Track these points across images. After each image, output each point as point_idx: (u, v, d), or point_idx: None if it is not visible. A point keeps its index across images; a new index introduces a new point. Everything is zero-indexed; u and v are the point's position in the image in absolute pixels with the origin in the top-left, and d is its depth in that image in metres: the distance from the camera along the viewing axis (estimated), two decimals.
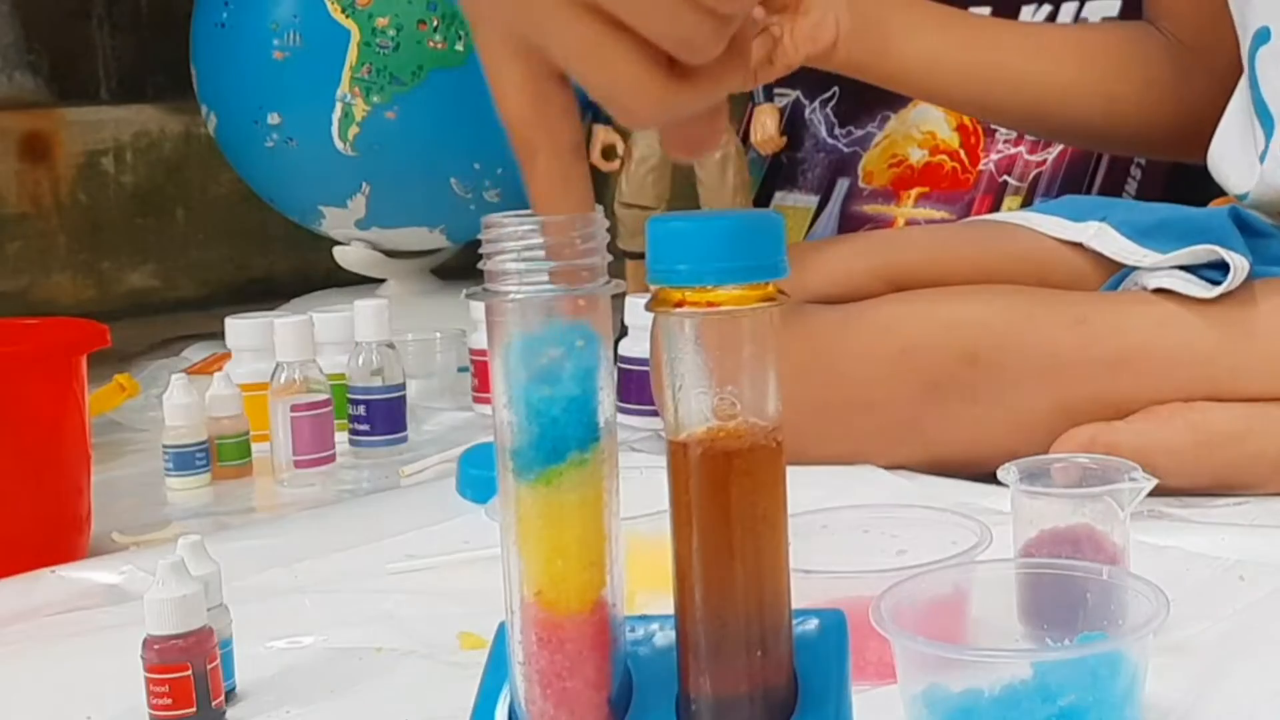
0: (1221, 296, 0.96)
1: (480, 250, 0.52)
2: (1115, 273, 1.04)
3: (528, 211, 0.52)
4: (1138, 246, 1.02)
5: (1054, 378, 0.97)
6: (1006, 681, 0.60)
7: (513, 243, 0.51)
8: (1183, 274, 0.98)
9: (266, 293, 1.85)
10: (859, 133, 1.61)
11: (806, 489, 0.86)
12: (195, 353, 1.56)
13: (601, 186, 1.87)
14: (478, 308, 0.53)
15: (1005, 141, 1.50)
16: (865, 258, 1.06)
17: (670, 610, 0.54)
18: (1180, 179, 1.51)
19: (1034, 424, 0.96)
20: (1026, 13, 1.54)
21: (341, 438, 1.19)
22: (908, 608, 0.64)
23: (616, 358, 1.23)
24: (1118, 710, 0.60)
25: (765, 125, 1.53)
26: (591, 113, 1.58)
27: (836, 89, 1.66)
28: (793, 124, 1.66)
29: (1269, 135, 1.05)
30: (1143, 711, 0.61)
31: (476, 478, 1.02)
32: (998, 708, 0.60)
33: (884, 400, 0.98)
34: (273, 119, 1.55)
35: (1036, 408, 0.97)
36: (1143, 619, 0.61)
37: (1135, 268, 1.02)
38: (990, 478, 0.80)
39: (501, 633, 0.55)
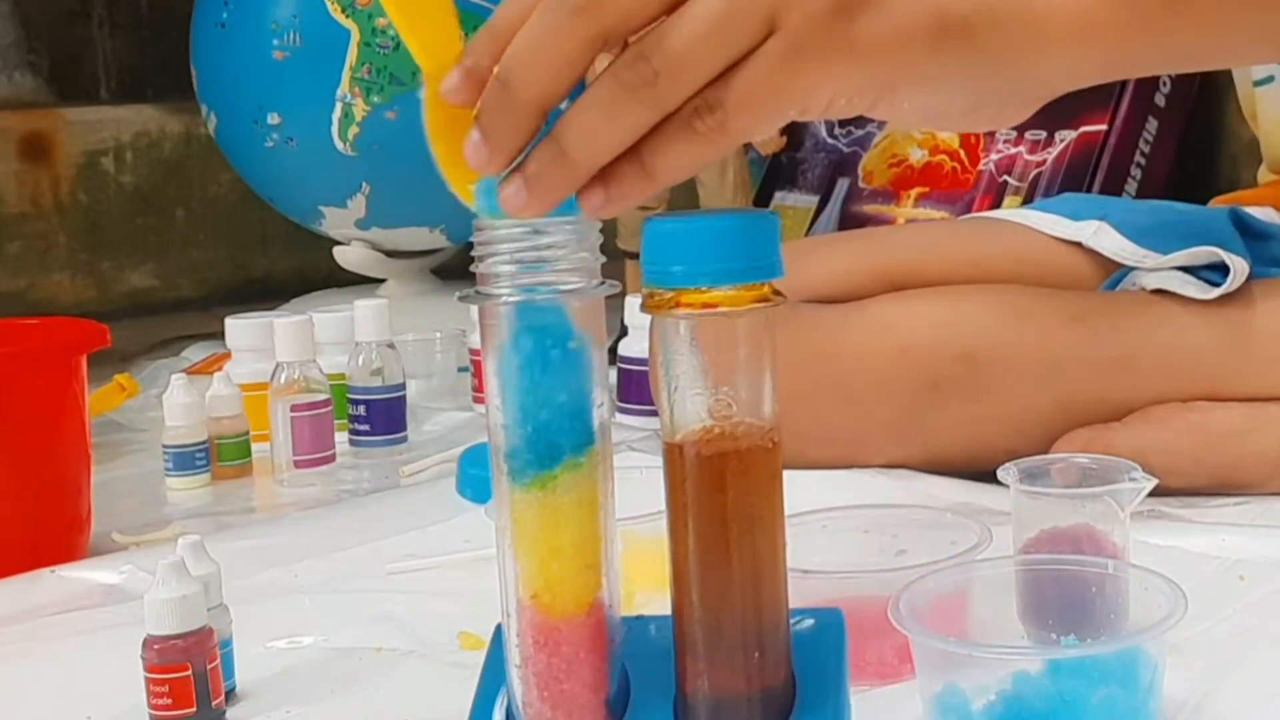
0: (1220, 298, 0.96)
1: (473, 253, 0.52)
2: (1114, 272, 1.04)
3: None
4: (1137, 247, 1.02)
5: (1052, 377, 0.96)
6: (1031, 679, 0.60)
7: (505, 245, 0.51)
8: (1182, 275, 0.98)
9: (266, 293, 1.85)
10: (859, 133, 1.61)
11: (806, 489, 0.86)
12: (195, 353, 1.56)
13: None
14: (477, 308, 0.53)
15: (1005, 141, 1.50)
16: (864, 256, 1.06)
17: (668, 611, 0.54)
18: (1181, 179, 1.51)
19: (1032, 423, 0.96)
20: None
21: (341, 438, 1.19)
22: (917, 608, 0.63)
23: (616, 358, 1.23)
24: (1144, 705, 0.60)
25: None
26: None
27: None
28: (793, 124, 1.66)
29: None
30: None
31: (476, 478, 1.02)
32: (1022, 706, 0.60)
33: (882, 399, 0.98)
34: (273, 119, 1.55)
35: (1035, 407, 0.96)
36: (1161, 613, 0.61)
37: (1134, 268, 1.02)
38: (990, 477, 0.80)
39: (498, 635, 0.55)
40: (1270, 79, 1.06)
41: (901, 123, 0.54)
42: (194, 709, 0.67)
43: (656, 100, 0.51)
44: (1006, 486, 0.75)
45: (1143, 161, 1.47)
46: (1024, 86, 0.59)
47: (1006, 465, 0.75)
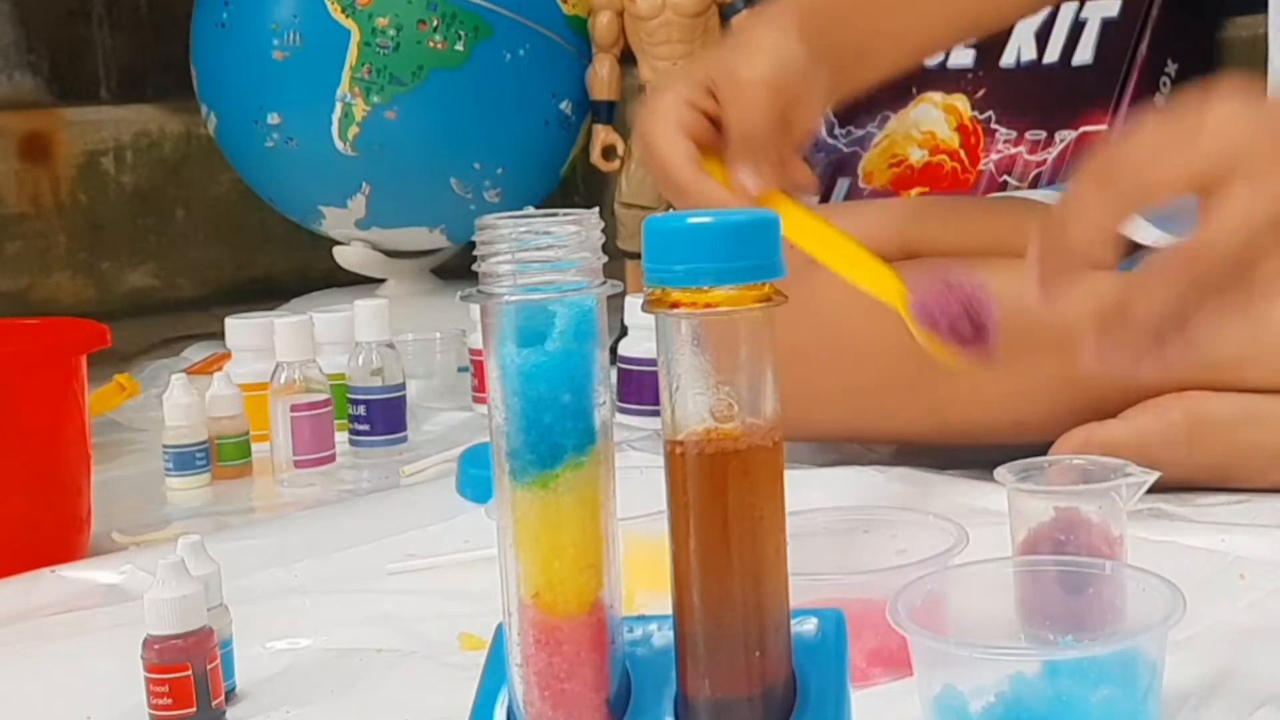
0: None
1: (475, 252, 0.52)
2: (1131, 254, 1.04)
3: (521, 212, 0.52)
4: (1155, 228, 1.02)
5: (1061, 349, 0.96)
6: (1030, 680, 0.60)
7: (507, 244, 0.51)
8: None
9: (266, 293, 1.85)
10: (859, 133, 1.61)
11: (806, 490, 0.86)
12: (195, 353, 1.56)
13: (601, 186, 1.87)
14: (478, 308, 0.53)
15: (1005, 141, 1.50)
16: (883, 224, 1.06)
17: (669, 611, 0.54)
18: None
19: (1039, 393, 0.96)
20: None
21: (341, 438, 1.19)
22: (915, 608, 0.63)
23: (616, 358, 1.23)
24: (1143, 706, 0.60)
25: None
26: (592, 113, 1.58)
27: None
28: None
29: None
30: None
31: (476, 477, 1.02)
32: (1021, 707, 0.60)
33: (891, 360, 0.98)
34: (273, 119, 1.55)
35: (1041, 377, 0.96)
36: (1160, 614, 0.61)
37: (1151, 249, 1.02)
38: (990, 460, 0.80)
39: (500, 634, 0.55)
40: None
41: None
42: (194, 709, 0.67)
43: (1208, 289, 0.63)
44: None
45: None
46: None
47: (1002, 466, 0.75)
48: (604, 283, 0.52)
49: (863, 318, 0.98)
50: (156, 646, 0.67)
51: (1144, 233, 1.04)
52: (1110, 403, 0.96)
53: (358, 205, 1.58)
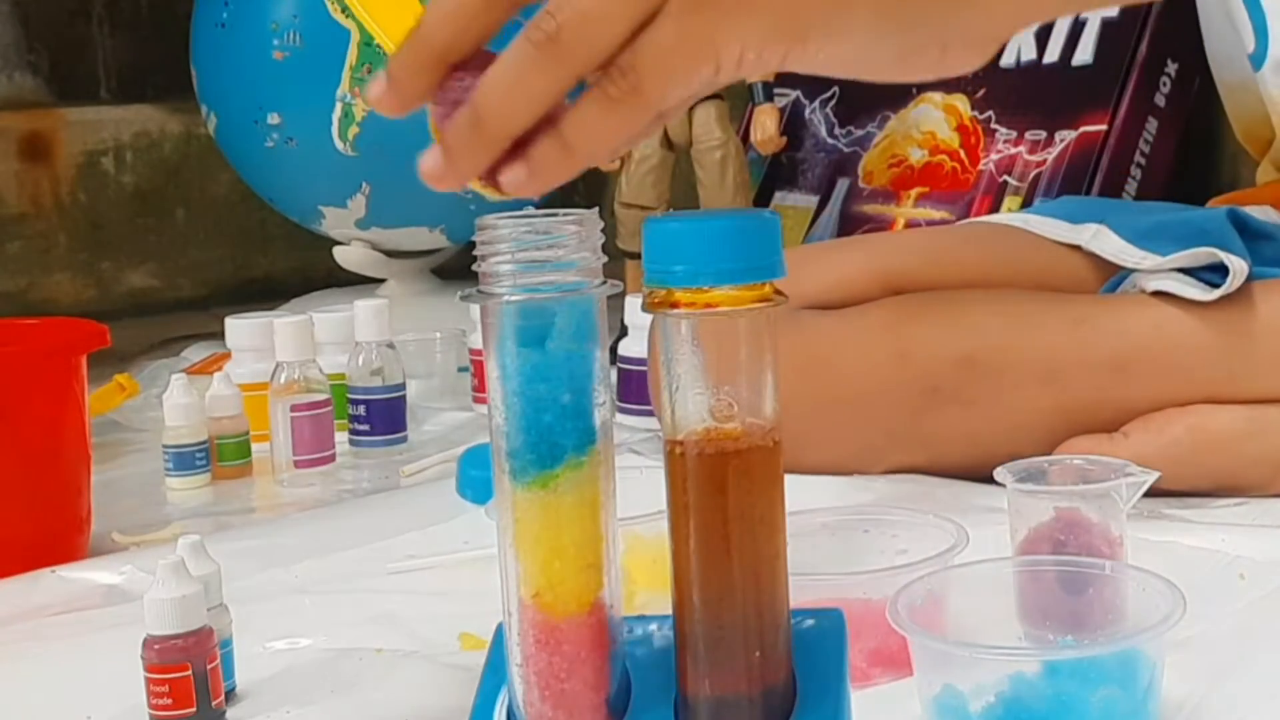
0: (1221, 299, 0.95)
1: (475, 252, 0.52)
2: (1113, 275, 1.04)
3: (523, 213, 0.52)
4: (1136, 249, 1.02)
5: (1052, 380, 0.96)
6: (1030, 680, 0.60)
7: (507, 244, 0.51)
8: (1181, 276, 0.98)
9: (266, 293, 1.85)
10: (859, 133, 1.61)
11: (806, 490, 0.86)
12: (195, 353, 1.56)
13: (601, 186, 1.87)
14: (478, 308, 0.53)
15: (1005, 141, 1.50)
16: (862, 262, 1.06)
17: (669, 610, 0.54)
18: (1181, 179, 1.51)
19: (1033, 426, 0.96)
20: None
21: (341, 438, 1.19)
22: (915, 608, 0.63)
23: (616, 358, 1.23)
24: (1142, 706, 0.60)
25: (765, 125, 1.53)
26: None
27: (836, 89, 1.66)
28: (793, 124, 1.66)
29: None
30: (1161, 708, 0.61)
31: (476, 478, 1.02)
32: (1021, 707, 0.60)
33: (882, 404, 0.98)
34: (273, 119, 1.55)
35: (1035, 410, 0.96)
36: (1160, 614, 0.61)
37: (1134, 270, 1.02)
38: (989, 481, 0.80)
39: (500, 634, 0.55)
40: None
41: (825, 72, 0.54)
42: (194, 709, 0.67)
43: (561, 59, 0.51)
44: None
45: (1143, 161, 1.47)
46: (957, 30, 0.58)
47: (1002, 466, 0.75)
48: (604, 283, 0.52)
49: (853, 364, 0.98)
50: (156, 646, 0.67)
51: (1112, 246, 1.04)
52: (1108, 429, 0.96)
53: (358, 205, 1.58)
